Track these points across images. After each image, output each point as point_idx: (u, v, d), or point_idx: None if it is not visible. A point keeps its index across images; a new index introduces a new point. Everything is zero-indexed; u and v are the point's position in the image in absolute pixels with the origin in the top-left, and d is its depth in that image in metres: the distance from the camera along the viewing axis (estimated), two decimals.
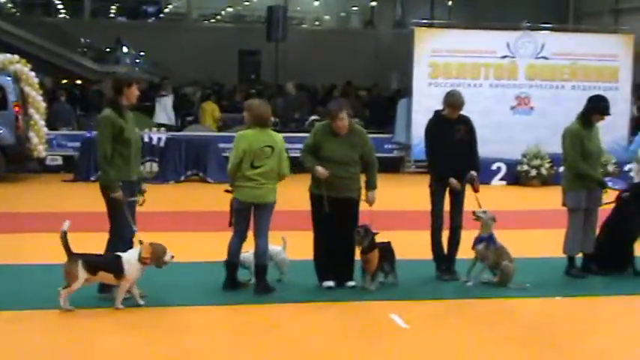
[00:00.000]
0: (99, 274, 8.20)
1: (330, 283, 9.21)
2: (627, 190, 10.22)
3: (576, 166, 9.90)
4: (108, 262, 8.24)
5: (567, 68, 20.84)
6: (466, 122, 9.92)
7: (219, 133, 20.79)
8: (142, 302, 8.38)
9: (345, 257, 9.24)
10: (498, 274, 9.53)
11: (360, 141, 9.21)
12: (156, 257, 8.33)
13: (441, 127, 9.82)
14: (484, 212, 9.61)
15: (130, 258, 8.23)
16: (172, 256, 8.43)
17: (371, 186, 9.24)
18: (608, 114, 10.08)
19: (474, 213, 9.65)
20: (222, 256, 9.06)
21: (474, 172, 9.77)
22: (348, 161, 9.12)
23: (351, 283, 9.25)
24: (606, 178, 10.89)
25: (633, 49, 21.42)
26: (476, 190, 9.71)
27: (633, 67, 21.32)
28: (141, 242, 8.35)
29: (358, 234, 9.00)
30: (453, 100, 9.76)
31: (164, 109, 21.88)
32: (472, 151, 9.99)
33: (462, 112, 9.86)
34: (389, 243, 9.42)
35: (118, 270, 8.17)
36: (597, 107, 10.02)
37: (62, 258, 8.10)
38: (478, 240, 9.53)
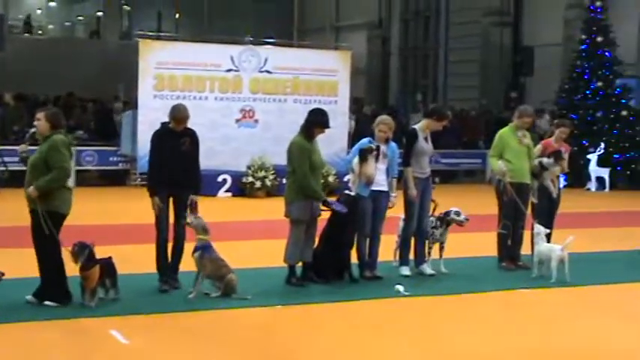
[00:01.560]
0: None
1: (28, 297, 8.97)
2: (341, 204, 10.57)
3: (304, 180, 10.13)
4: None
5: (290, 82, 21.32)
6: (191, 135, 10.00)
7: None
8: None
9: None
10: (222, 287, 9.57)
11: (44, 147, 8.85)
12: None
13: (166, 138, 9.83)
14: (196, 217, 9.69)
15: None
16: None
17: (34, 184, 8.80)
18: (328, 127, 10.43)
19: (185, 218, 9.71)
20: None
21: (194, 197, 9.87)
22: (33, 169, 8.85)
23: (47, 303, 8.90)
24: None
25: (351, 65, 22.37)
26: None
27: (350, 81, 22.23)
28: None
29: (72, 250, 8.75)
30: (177, 114, 9.85)
31: None
32: (194, 165, 10.06)
33: (188, 125, 9.94)
34: (110, 258, 9.21)
35: None
36: (318, 121, 10.34)
37: None
38: (195, 249, 9.57)
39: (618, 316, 9.60)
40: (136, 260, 10.26)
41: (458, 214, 11.29)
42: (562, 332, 8.79)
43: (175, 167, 9.72)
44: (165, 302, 9.39)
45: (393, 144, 10.88)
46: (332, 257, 10.48)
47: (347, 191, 10.81)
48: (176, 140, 9.79)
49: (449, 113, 12.02)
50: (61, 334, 8.22)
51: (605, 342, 8.50)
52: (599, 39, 24.44)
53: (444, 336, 8.59)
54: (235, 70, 20.89)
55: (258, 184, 19.34)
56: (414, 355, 7.97)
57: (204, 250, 9.55)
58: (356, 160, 10.58)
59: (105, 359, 7.53)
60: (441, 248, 11.35)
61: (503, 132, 11.87)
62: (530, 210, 12.05)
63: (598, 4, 24.87)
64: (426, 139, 11.08)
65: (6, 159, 16.76)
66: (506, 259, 11.71)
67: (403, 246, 11.20)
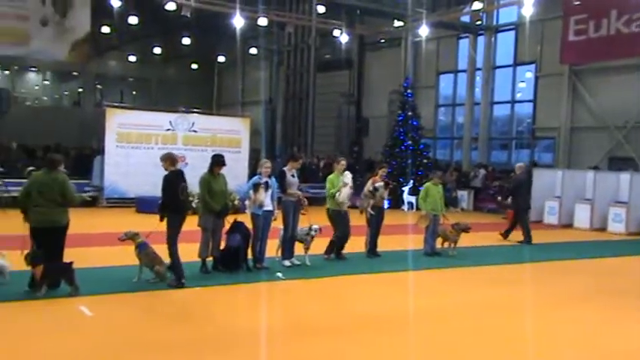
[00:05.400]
0: None
1: None
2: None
3: (204, 200, 10.12)
4: None
5: (209, 138, 21.10)
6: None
7: None
8: None
9: None
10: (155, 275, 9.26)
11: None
12: None
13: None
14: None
15: None
16: None
17: None
18: (224, 164, 10.32)
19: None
20: None
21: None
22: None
23: None
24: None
25: (251, 128, 22.36)
26: None
27: (250, 139, 22.20)
28: None
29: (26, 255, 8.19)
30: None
31: None
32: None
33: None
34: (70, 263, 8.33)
35: None
36: (214, 161, 10.32)
37: None
38: (135, 246, 9.34)
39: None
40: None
41: (316, 230, 11.20)
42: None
43: None
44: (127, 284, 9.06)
45: (273, 179, 10.83)
46: (232, 254, 10.29)
47: (238, 218, 10.69)
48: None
49: (300, 156, 11.96)
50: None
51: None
52: (409, 113, 25.13)
53: (309, 305, 8.55)
54: (172, 130, 20.61)
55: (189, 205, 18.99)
56: (325, 313, 7.93)
57: (140, 247, 9.31)
58: (251, 190, 10.56)
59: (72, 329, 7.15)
60: (307, 248, 11.32)
61: (332, 176, 11.82)
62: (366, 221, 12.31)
63: (409, 91, 25.69)
64: (293, 175, 11.12)
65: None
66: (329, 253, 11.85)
67: (284, 246, 11.12)
